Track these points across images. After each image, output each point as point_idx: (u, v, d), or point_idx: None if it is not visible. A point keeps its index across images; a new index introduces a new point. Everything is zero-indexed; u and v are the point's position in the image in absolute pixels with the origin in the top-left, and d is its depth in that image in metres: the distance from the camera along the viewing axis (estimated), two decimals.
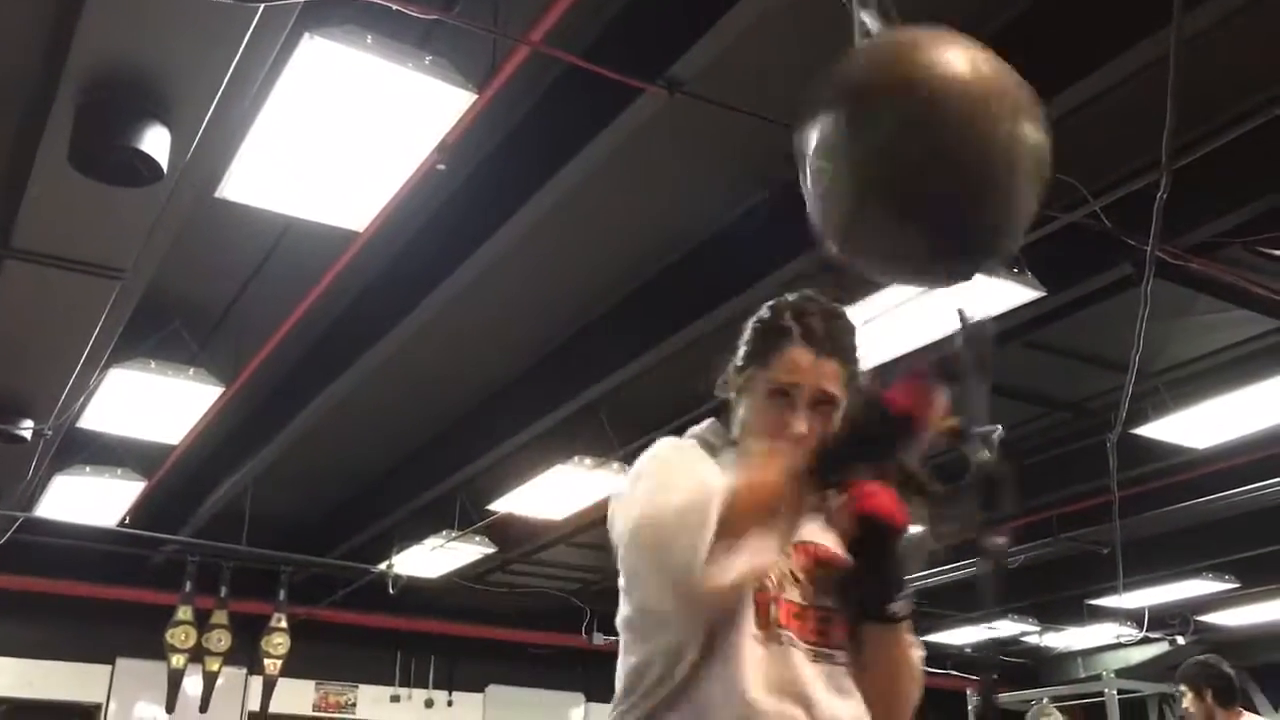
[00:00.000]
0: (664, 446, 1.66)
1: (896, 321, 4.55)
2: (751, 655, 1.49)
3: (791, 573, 1.57)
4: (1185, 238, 4.29)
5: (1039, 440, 6.92)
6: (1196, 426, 5.91)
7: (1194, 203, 4.04)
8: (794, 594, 1.56)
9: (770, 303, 1.70)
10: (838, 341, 1.64)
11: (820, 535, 1.62)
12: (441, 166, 3.69)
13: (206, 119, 3.19)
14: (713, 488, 1.42)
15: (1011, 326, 4.99)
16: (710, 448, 1.68)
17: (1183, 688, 5.44)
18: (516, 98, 3.84)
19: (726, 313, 4.75)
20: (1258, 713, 8.07)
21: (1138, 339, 3.48)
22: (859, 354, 1.68)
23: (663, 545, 1.40)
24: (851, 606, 1.58)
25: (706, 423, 1.74)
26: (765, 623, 1.52)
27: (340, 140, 3.53)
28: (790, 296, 1.69)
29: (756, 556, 1.41)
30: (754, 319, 1.71)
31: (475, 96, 3.31)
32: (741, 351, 1.70)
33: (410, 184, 3.78)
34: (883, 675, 1.59)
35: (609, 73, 3.42)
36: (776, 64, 3.61)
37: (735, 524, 1.38)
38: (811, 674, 1.52)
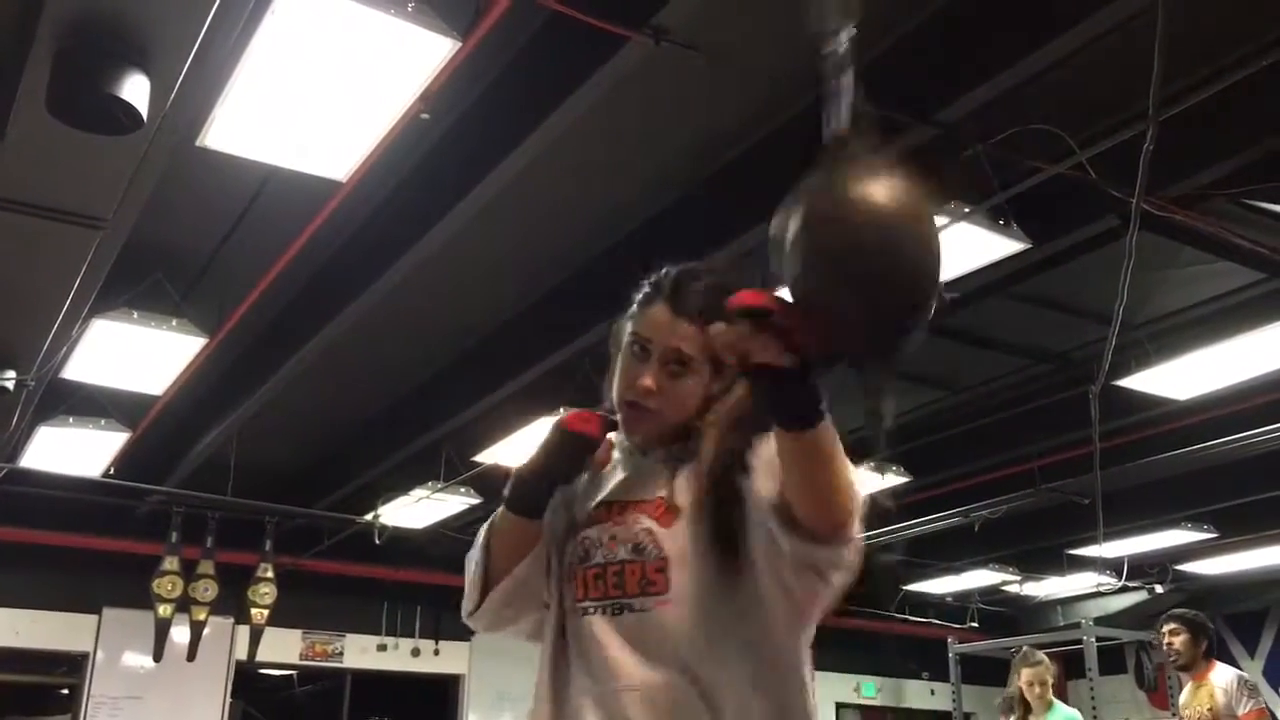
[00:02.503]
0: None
1: None
2: (553, 642, 1.67)
3: (599, 538, 1.66)
4: (1171, 189, 4.29)
5: (1022, 391, 6.96)
6: (1179, 378, 5.95)
7: (1180, 154, 4.04)
8: (597, 556, 1.65)
9: (659, 271, 1.74)
10: (706, 308, 1.58)
11: (638, 491, 1.67)
12: (425, 115, 3.67)
13: (186, 66, 3.16)
14: (477, 544, 1.72)
15: (996, 278, 5.01)
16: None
17: (1175, 626, 5.52)
18: (500, 45, 3.80)
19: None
20: (1231, 661, 8.19)
21: (1122, 290, 3.49)
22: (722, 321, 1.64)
23: (465, 593, 1.75)
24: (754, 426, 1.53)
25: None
26: (571, 599, 1.67)
27: (322, 88, 3.50)
28: (681, 265, 1.73)
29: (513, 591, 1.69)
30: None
31: (459, 44, 3.28)
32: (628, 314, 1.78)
33: (393, 133, 3.75)
34: (796, 477, 1.44)
35: (594, 20, 3.39)
36: (762, 11, 3.59)
37: (502, 554, 1.69)
38: (606, 636, 1.60)
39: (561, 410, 1.72)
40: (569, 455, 1.65)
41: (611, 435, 1.73)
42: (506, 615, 1.73)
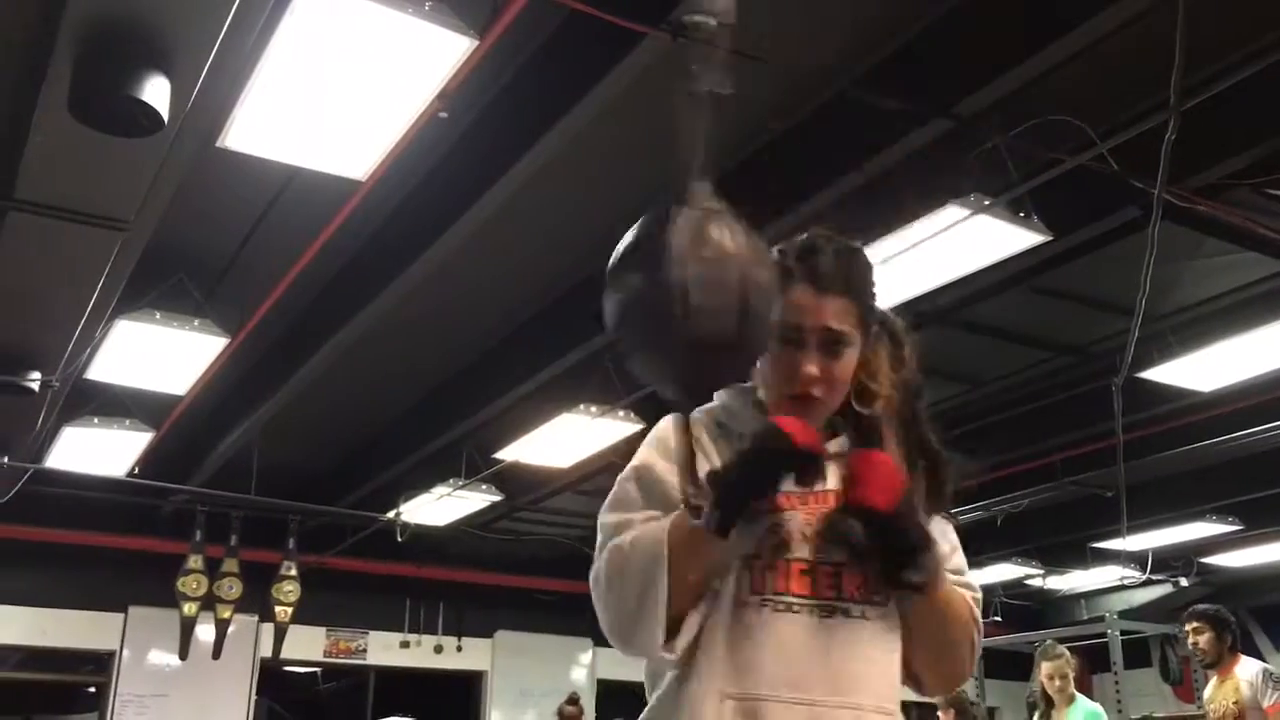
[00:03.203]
0: (646, 446, 1.63)
1: (919, 259, 4.55)
2: (748, 628, 1.49)
3: (801, 531, 1.52)
4: (1192, 180, 4.26)
5: (1044, 384, 6.93)
6: (1202, 369, 5.91)
7: (1202, 144, 4.01)
8: (803, 551, 1.52)
9: (778, 246, 1.64)
10: (845, 277, 1.59)
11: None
12: (443, 114, 3.67)
13: (206, 68, 3.17)
14: (659, 558, 1.45)
15: (1017, 271, 4.98)
16: (719, 425, 1.63)
17: (1198, 624, 5.48)
18: (518, 43, 3.80)
19: None
20: (1257, 654, 8.13)
21: (1144, 282, 3.47)
22: (873, 288, 1.64)
23: (622, 630, 1.50)
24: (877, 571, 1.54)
25: (728, 390, 1.68)
26: (761, 588, 1.51)
27: (341, 88, 3.51)
28: (799, 237, 1.64)
29: (702, 611, 1.50)
30: None
31: (476, 42, 3.29)
32: None
33: (412, 132, 3.76)
34: (927, 633, 1.56)
35: (611, 17, 3.39)
36: (780, 6, 3.58)
37: (690, 579, 1.46)
38: (813, 636, 1.49)
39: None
40: (787, 467, 1.43)
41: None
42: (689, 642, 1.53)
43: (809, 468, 1.43)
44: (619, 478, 1.62)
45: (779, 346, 1.57)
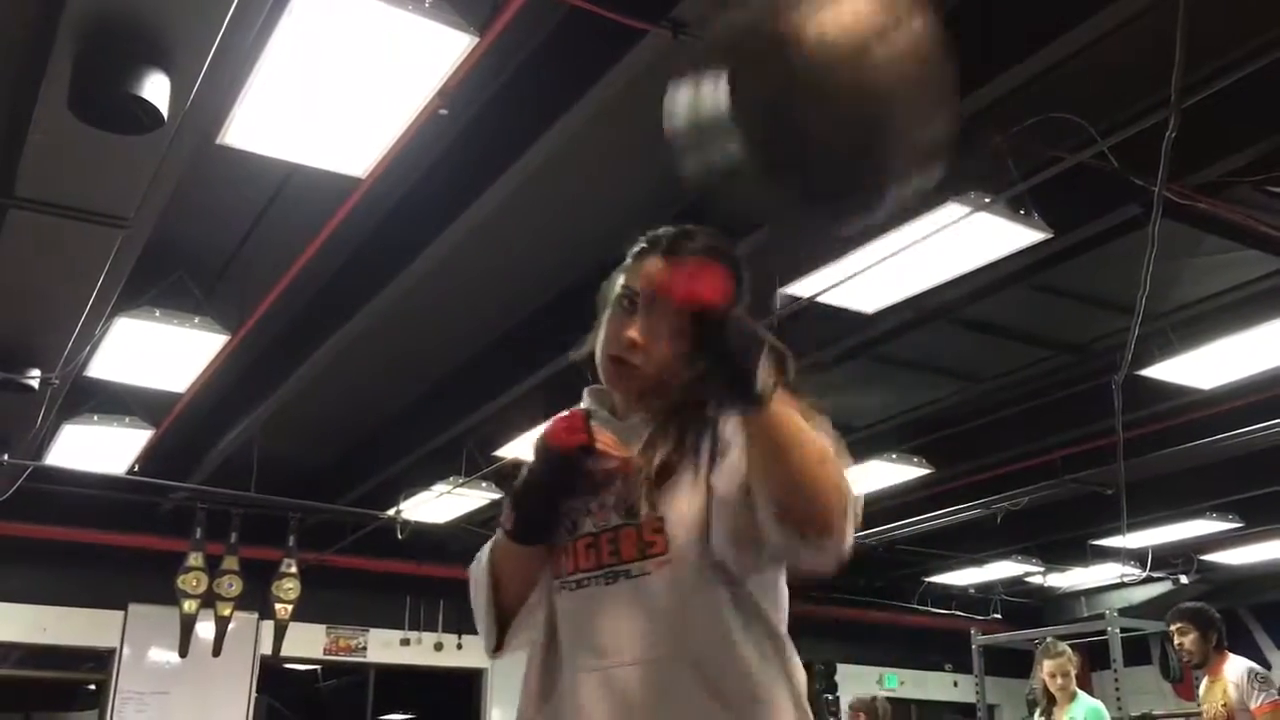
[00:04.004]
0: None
1: (919, 256, 4.55)
2: (555, 611, 1.59)
3: (586, 507, 1.58)
4: (1193, 177, 4.26)
5: (1044, 382, 6.93)
6: (1202, 367, 5.91)
7: (1202, 142, 4.01)
8: (587, 525, 1.57)
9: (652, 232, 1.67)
10: (694, 256, 1.57)
11: (638, 447, 1.57)
12: (444, 111, 3.67)
13: (206, 65, 3.17)
14: (485, 570, 1.64)
15: (1017, 268, 4.98)
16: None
17: (1182, 625, 5.47)
18: (519, 41, 3.80)
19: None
20: (1257, 651, 8.13)
21: (1144, 280, 3.47)
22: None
23: (477, 622, 1.68)
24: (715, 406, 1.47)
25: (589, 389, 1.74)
26: (559, 572, 1.60)
27: (341, 85, 3.51)
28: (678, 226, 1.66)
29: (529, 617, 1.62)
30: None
31: (477, 39, 3.29)
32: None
33: (412, 129, 3.76)
34: (771, 463, 1.35)
35: (612, 14, 3.38)
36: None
37: (513, 585, 1.62)
38: (603, 606, 1.52)
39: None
40: (563, 470, 1.52)
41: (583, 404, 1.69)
42: (527, 639, 1.65)
43: (570, 458, 1.50)
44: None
45: (614, 309, 1.61)
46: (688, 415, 1.56)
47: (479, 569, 1.65)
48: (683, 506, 1.51)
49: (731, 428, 1.48)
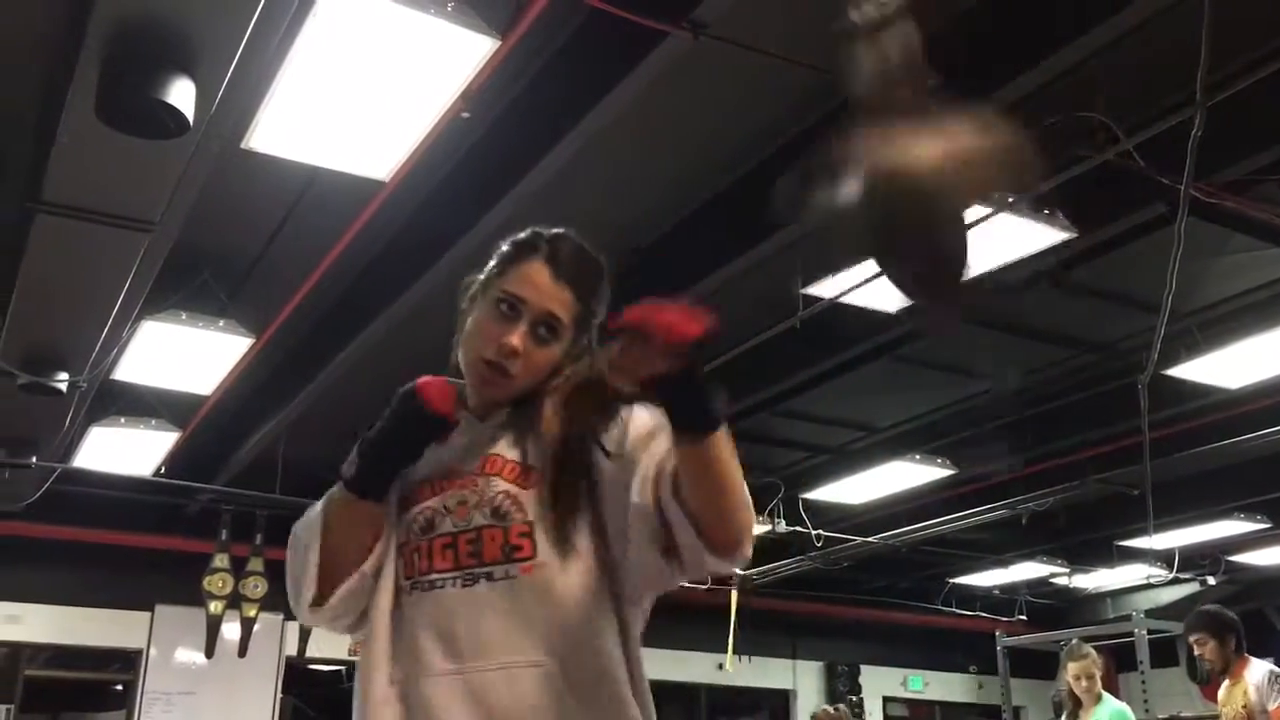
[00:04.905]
0: None
1: (971, 241, 4.53)
2: (404, 612, 1.53)
3: (444, 505, 1.55)
4: (1219, 175, 4.23)
5: (1069, 382, 6.89)
6: (1229, 366, 5.87)
7: (1228, 139, 3.97)
8: (445, 524, 1.53)
9: (532, 229, 1.66)
10: (582, 275, 1.60)
11: (477, 457, 1.57)
12: (466, 114, 3.69)
13: (231, 70, 3.19)
14: (315, 523, 1.57)
15: (1042, 268, 4.96)
16: None
17: (1199, 636, 5.43)
18: (540, 43, 3.81)
19: (755, 257, 4.75)
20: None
21: (1170, 279, 3.44)
22: (601, 302, 1.62)
23: (290, 593, 1.60)
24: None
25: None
26: (411, 572, 1.55)
27: (364, 89, 3.53)
28: (552, 228, 1.65)
29: (351, 580, 1.54)
30: (512, 236, 1.67)
31: (498, 42, 3.30)
32: (488, 266, 1.66)
33: (435, 132, 3.78)
34: (701, 482, 1.40)
35: (633, 16, 3.39)
36: (801, 3, 3.57)
37: (343, 540, 1.54)
38: (463, 608, 1.49)
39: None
40: (423, 433, 1.53)
41: None
42: (351, 609, 1.57)
43: (436, 425, 1.51)
44: None
45: (493, 312, 1.58)
46: (569, 419, 1.54)
47: (307, 522, 1.59)
48: (560, 511, 1.50)
49: (620, 436, 1.51)
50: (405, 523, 1.57)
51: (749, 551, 1.45)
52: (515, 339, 1.54)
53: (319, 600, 1.55)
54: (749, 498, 1.44)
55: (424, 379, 1.53)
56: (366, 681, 1.52)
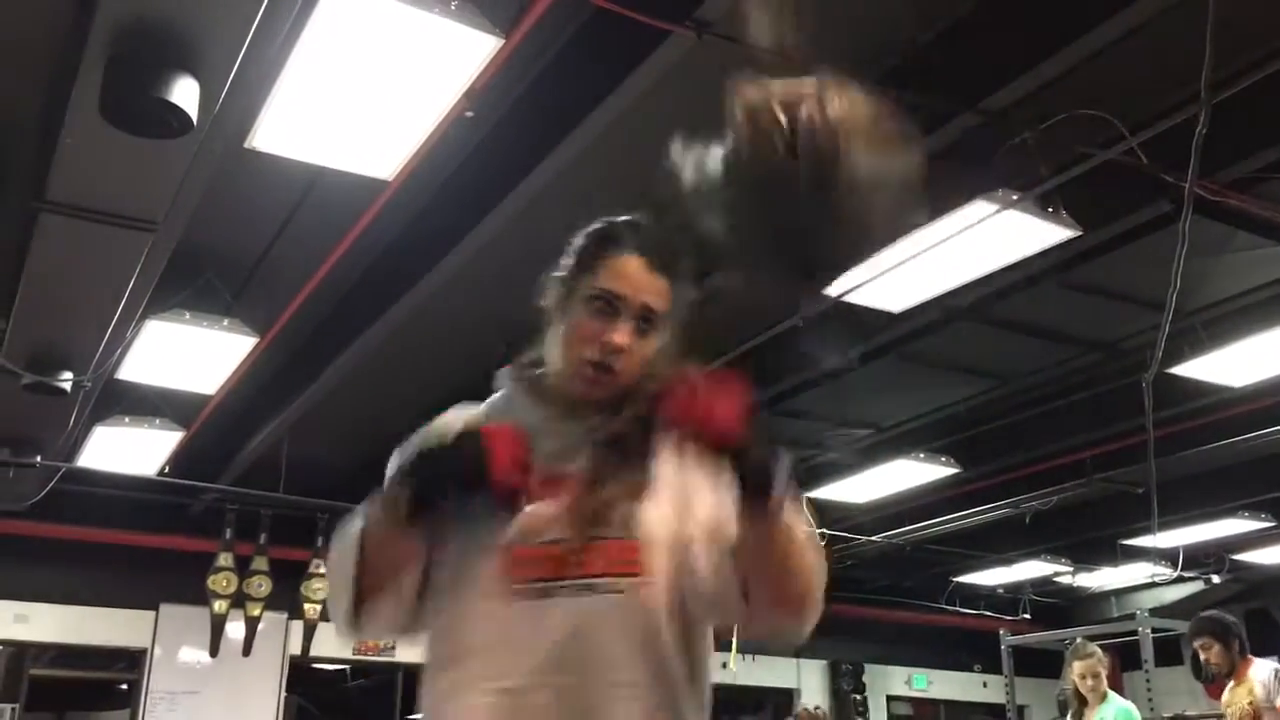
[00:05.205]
0: (415, 439, 1.57)
1: (947, 254, 4.53)
2: (504, 617, 1.46)
3: (549, 515, 1.48)
4: (1223, 174, 4.22)
5: (1074, 380, 6.88)
6: (1233, 365, 5.85)
7: (1232, 137, 3.97)
8: (553, 532, 1.48)
9: (606, 217, 1.62)
10: (673, 261, 1.56)
11: (606, 458, 1.52)
12: (469, 113, 3.68)
13: (234, 70, 3.19)
14: (354, 539, 1.50)
15: (1046, 266, 4.95)
16: (494, 414, 1.60)
17: (1204, 640, 5.44)
18: (543, 42, 3.80)
19: None
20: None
21: (1175, 277, 3.44)
22: (688, 281, 1.60)
23: (330, 606, 1.60)
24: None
25: (500, 374, 1.69)
26: (511, 575, 1.47)
27: (368, 88, 3.53)
28: (625, 214, 1.62)
29: (399, 595, 1.50)
30: (585, 229, 1.63)
31: (502, 41, 3.29)
32: (567, 262, 1.60)
33: (438, 131, 3.77)
34: (773, 556, 1.43)
35: (636, 15, 3.38)
36: (805, 3, 3.56)
37: (382, 564, 1.49)
38: (557, 616, 1.44)
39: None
40: (478, 483, 1.41)
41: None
42: (395, 620, 1.53)
43: (500, 499, 1.42)
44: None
45: (588, 310, 1.52)
46: (643, 432, 1.49)
47: (347, 539, 1.52)
48: (656, 531, 1.48)
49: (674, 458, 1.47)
50: (495, 525, 1.48)
51: (812, 621, 1.52)
52: (621, 336, 1.49)
53: (354, 619, 1.52)
54: (821, 568, 1.50)
55: (500, 439, 1.43)
56: (458, 686, 1.46)
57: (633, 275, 1.52)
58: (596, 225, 1.62)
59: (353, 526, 1.53)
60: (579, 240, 1.61)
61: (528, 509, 1.47)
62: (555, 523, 1.48)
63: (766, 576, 1.44)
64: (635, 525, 1.47)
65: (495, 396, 1.68)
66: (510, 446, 1.42)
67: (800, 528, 1.46)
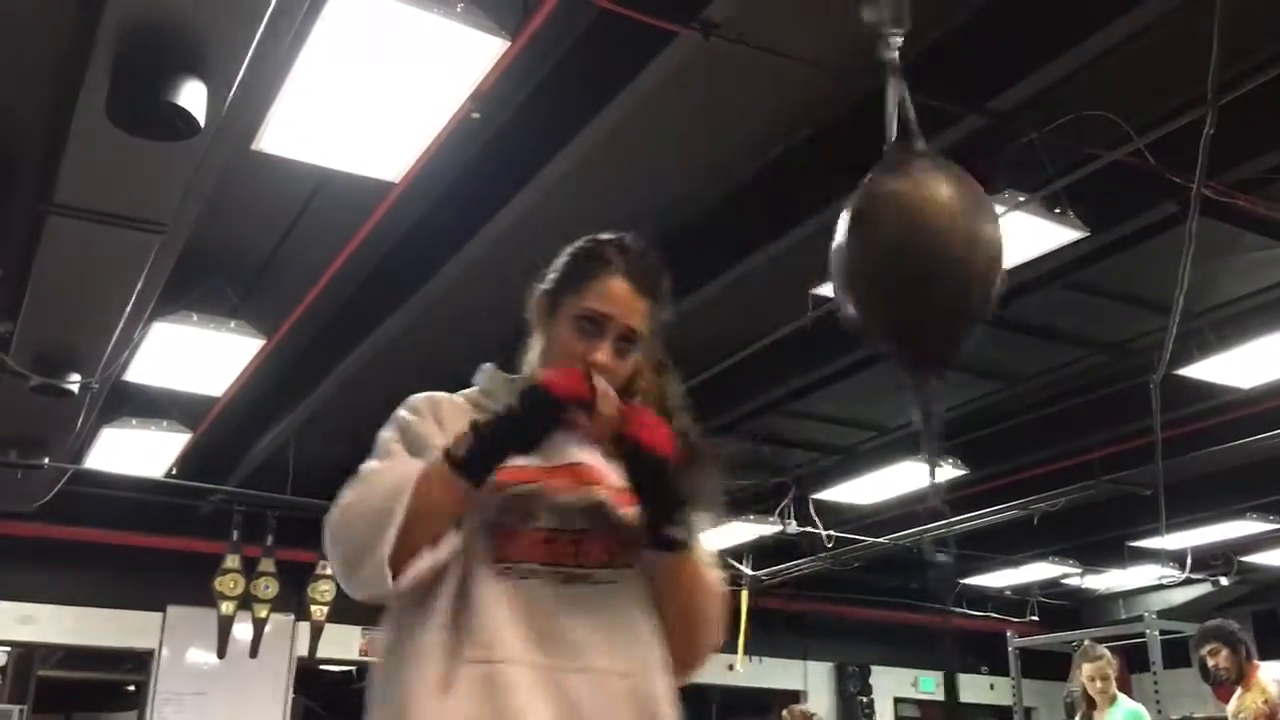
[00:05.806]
0: (404, 411, 1.69)
1: None
2: (487, 593, 1.49)
3: (545, 500, 1.54)
4: (1231, 174, 4.22)
5: (1081, 382, 6.87)
6: (1241, 366, 5.84)
7: (1240, 138, 3.95)
8: (547, 520, 1.53)
9: (589, 236, 1.68)
10: (658, 284, 1.63)
11: (592, 456, 1.58)
12: (475, 115, 3.69)
13: (241, 72, 3.20)
14: (402, 491, 1.46)
15: (1053, 267, 4.94)
16: (477, 406, 1.65)
17: (1213, 646, 5.42)
18: (550, 44, 3.81)
19: (765, 257, 4.75)
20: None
21: (1182, 278, 3.43)
22: (667, 301, 1.67)
23: (350, 559, 1.47)
24: (639, 533, 1.55)
25: (482, 369, 1.75)
26: (504, 556, 1.52)
27: (374, 90, 3.54)
28: (611, 234, 1.67)
29: (436, 554, 1.47)
30: (571, 247, 1.68)
31: (508, 43, 3.30)
32: (552, 278, 1.67)
33: (445, 133, 3.78)
34: (675, 598, 1.57)
35: (642, 16, 3.39)
36: (811, 4, 3.56)
37: (428, 520, 1.46)
38: (558, 605, 1.51)
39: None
40: (550, 413, 1.48)
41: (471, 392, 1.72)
42: (411, 584, 1.48)
43: (572, 413, 1.48)
44: (379, 435, 1.67)
45: (573, 328, 1.59)
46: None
47: (386, 486, 1.48)
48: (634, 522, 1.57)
49: None
50: (496, 505, 1.52)
51: (701, 667, 1.63)
52: (602, 355, 1.56)
53: (394, 576, 1.45)
54: (719, 616, 1.62)
55: (551, 371, 1.56)
56: (412, 662, 1.46)
57: (619, 298, 1.58)
58: (583, 244, 1.67)
59: (389, 472, 1.53)
60: (566, 258, 1.67)
61: (520, 488, 1.52)
62: (551, 510, 1.55)
63: (665, 610, 1.57)
64: (626, 519, 1.55)
65: (471, 389, 1.74)
66: (564, 372, 1.52)
67: (703, 569, 1.59)
